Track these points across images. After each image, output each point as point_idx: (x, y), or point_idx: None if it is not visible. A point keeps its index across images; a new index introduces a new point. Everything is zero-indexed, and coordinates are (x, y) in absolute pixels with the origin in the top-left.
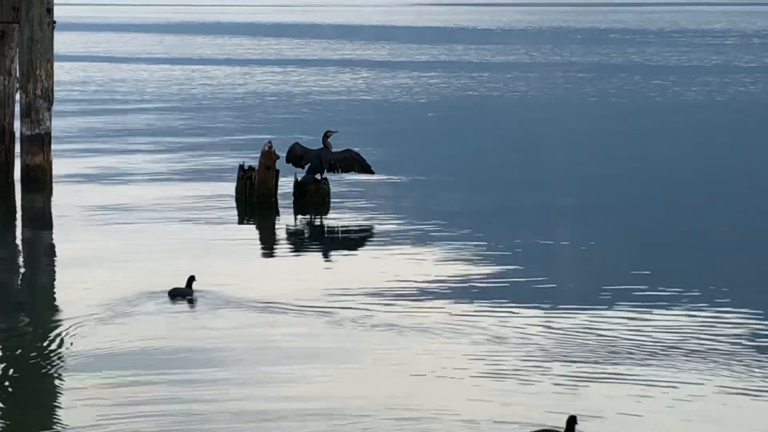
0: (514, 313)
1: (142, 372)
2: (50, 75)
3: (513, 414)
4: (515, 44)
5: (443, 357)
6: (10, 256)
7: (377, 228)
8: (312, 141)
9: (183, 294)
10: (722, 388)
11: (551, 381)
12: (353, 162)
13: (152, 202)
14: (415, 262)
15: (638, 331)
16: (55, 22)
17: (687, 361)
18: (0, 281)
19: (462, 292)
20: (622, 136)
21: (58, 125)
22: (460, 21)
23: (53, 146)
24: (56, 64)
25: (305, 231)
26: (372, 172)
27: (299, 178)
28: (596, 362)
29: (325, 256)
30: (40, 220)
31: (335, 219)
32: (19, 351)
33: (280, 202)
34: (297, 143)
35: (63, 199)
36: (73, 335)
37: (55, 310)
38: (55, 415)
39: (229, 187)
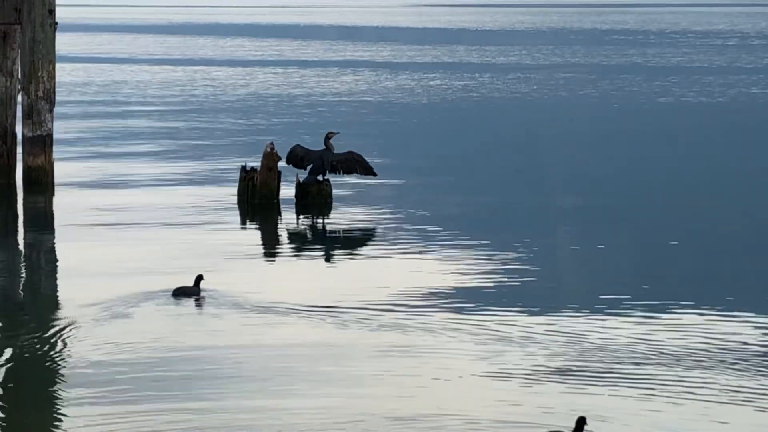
0: (517, 313)
1: (142, 372)
2: (52, 76)
3: (517, 414)
4: (516, 45)
5: (447, 357)
6: (12, 258)
7: (379, 229)
8: (313, 142)
9: (188, 293)
10: (728, 388)
11: (556, 382)
12: (355, 163)
13: (154, 203)
14: (417, 263)
15: (642, 331)
16: (57, 23)
17: (692, 361)
18: (1, 282)
19: (464, 293)
20: (623, 137)
21: (59, 126)
22: (461, 22)
23: (55, 148)
24: (58, 66)
25: (307, 232)
26: (374, 174)
27: (301, 180)
28: (602, 363)
29: (327, 257)
30: (42, 222)
31: (337, 220)
32: (20, 352)
33: (281, 203)
34: (298, 145)
35: (65, 200)
36: (75, 335)
37: (57, 310)
38: (56, 415)
39: (231, 189)
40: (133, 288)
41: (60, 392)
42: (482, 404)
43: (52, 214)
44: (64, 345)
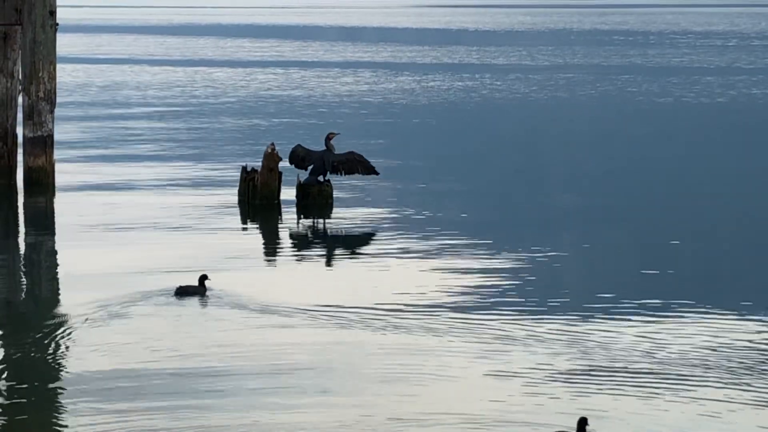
0: (519, 313)
1: (143, 372)
2: (53, 77)
3: (520, 414)
4: (517, 46)
5: (449, 357)
6: (12, 258)
7: (380, 229)
8: (314, 143)
9: (191, 292)
10: (729, 387)
11: (558, 381)
12: (357, 164)
13: (154, 203)
14: (418, 263)
15: (643, 331)
16: (57, 24)
17: (694, 361)
18: (2, 282)
19: (466, 293)
20: (623, 138)
21: (60, 128)
22: (461, 23)
23: (55, 149)
24: (58, 66)
25: (308, 233)
26: (376, 173)
27: (301, 180)
28: (604, 362)
29: (328, 258)
30: (43, 222)
31: (338, 221)
32: (20, 352)
33: (282, 204)
34: (299, 145)
35: (65, 200)
36: (76, 335)
37: (58, 311)
38: (57, 414)
39: (232, 189)
40: (133, 288)
41: (61, 392)
42: (485, 404)
43: (53, 215)
44: (65, 346)
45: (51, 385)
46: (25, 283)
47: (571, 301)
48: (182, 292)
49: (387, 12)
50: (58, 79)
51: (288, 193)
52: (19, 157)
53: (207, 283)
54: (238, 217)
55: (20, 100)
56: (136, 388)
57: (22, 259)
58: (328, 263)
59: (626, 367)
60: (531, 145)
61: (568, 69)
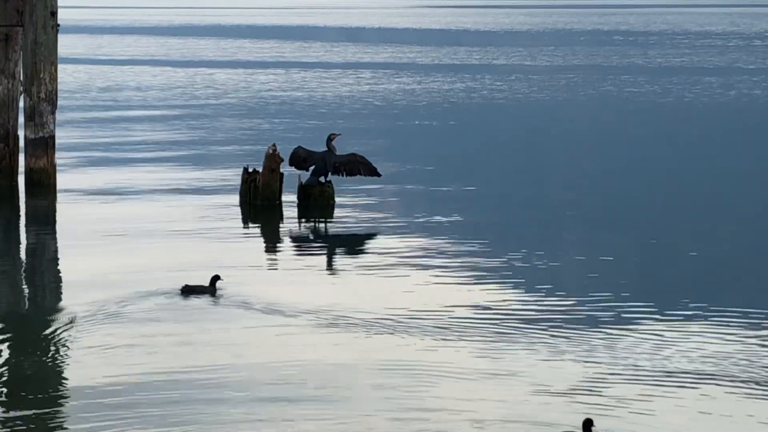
0: (522, 313)
1: (144, 372)
2: (54, 78)
3: (524, 415)
4: (518, 47)
5: (452, 357)
6: (15, 259)
7: (381, 230)
8: (315, 144)
9: (196, 291)
10: (734, 385)
11: (563, 382)
12: (358, 165)
13: (155, 203)
14: (420, 263)
15: (646, 331)
16: (59, 25)
17: (698, 360)
18: (3, 283)
19: (468, 292)
20: (625, 138)
21: (60, 129)
22: (462, 23)
23: (57, 149)
24: (60, 67)
25: (309, 234)
26: (378, 175)
27: (303, 181)
28: (609, 362)
29: (330, 259)
30: (45, 223)
31: (339, 222)
32: (21, 352)
33: (283, 205)
34: (300, 146)
35: (67, 202)
36: (78, 335)
37: (60, 312)
38: (59, 413)
39: (234, 190)
40: (134, 288)
41: (61, 395)
42: (489, 404)
43: (55, 216)
44: (66, 347)
45: (51, 387)
46: (25, 284)
47: (575, 301)
48: (188, 290)
49: (387, 13)
50: (59, 80)
51: (289, 194)
52: (21, 159)
53: (200, 285)
54: (239, 218)
55: (21, 101)
56: (131, 396)
57: (23, 260)
58: (330, 264)
59: (631, 368)
60: (532, 146)
61: (569, 69)
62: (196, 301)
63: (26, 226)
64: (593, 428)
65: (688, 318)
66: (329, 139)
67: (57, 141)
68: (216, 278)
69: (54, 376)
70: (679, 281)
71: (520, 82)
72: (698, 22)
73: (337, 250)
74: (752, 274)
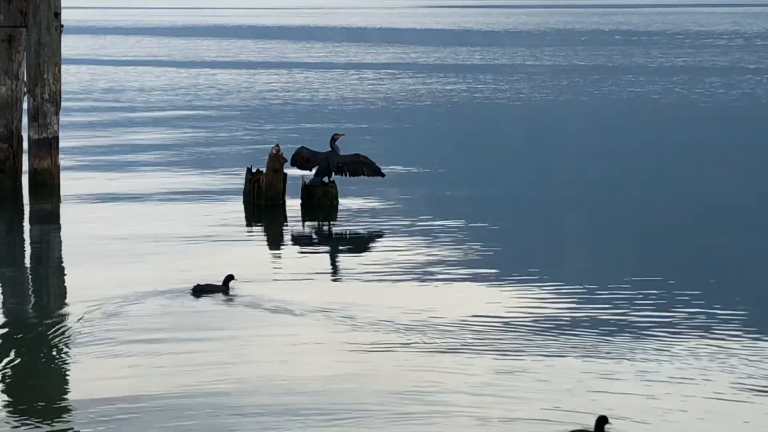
0: (527, 313)
1: (145, 372)
2: (57, 79)
3: (531, 413)
4: (520, 47)
5: (457, 355)
6: (18, 259)
7: (385, 230)
8: (318, 144)
9: (207, 290)
10: (742, 384)
11: (575, 380)
12: (362, 165)
13: (158, 204)
14: (423, 264)
15: (653, 330)
16: (62, 25)
17: (709, 359)
18: (9, 283)
19: (472, 291)
20: (628, 138)
21: (64, 129)
22: (464, 23)
23: (61, 150)
24: (63, 68)
25: (313, 234)
26: (382, 175)
27: (306, 182)
28: (618, 361)
29: (333, 258)
30: (48, 224)
31: (343, 222)
32: (21, 353)
33: (287, 205)
34: (303, 146)
35: (71, 202)
36: (80, 336)
37: (63, 313)
38: (61, 414)
39: (237, 191)
40: (137, 289)
41: (64, 399)
42: (500, 401)
43: (58, 217)
44: (69, 347)
45: (57, 390)
46: (29, 285)
47: (580, 301)
48: (200, 290)
49: (390, 13)
50: (62, 81)
51: (293, 195)
52: (25, 159)
53: (202, 285)
54: (243, 218)
55: (25, 101)
56: (138, 396)
57: (26, 261)
58: (333, 264)
59: (638, 367)
60: (535, 145)
61: (571, 69)
62: (202, 302)
63: (30, 226)
64: (607, 425)
65: (693, 317)
66: (333, 140)
67: (60, 142)
68: (230, 278)
69: (59, 378)
70: (685, 281)
71: (523, 82)
72: (700, 21)
73: (342, 251)
74: (758, 273)
